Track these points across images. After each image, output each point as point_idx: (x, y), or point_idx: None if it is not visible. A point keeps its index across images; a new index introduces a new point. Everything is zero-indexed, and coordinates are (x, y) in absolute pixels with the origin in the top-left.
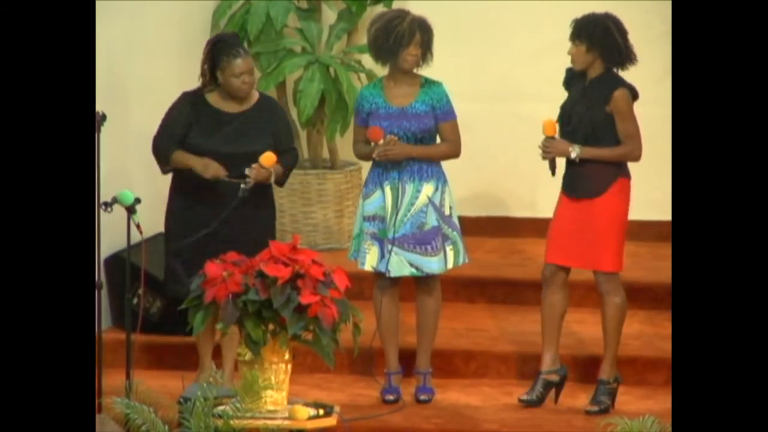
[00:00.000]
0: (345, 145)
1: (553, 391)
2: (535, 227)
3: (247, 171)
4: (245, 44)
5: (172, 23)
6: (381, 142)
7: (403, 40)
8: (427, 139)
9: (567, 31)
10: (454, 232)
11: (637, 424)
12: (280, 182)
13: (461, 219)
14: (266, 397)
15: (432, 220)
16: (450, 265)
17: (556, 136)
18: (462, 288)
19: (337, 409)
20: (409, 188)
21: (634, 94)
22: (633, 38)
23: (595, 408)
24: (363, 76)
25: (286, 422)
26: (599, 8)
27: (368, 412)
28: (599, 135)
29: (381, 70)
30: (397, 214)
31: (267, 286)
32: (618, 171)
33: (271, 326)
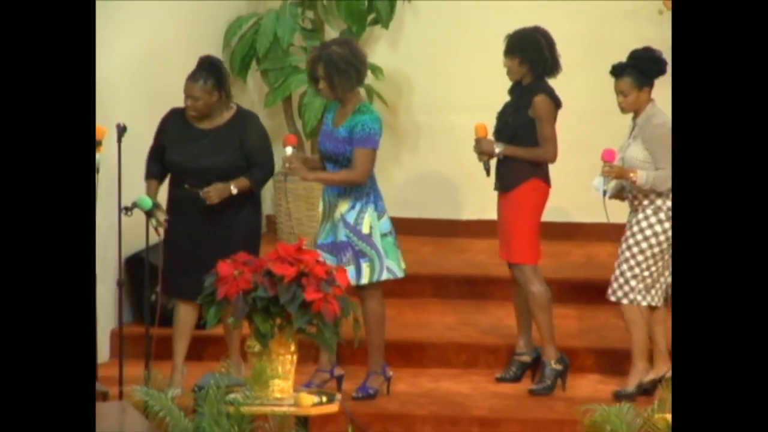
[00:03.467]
0: None
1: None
2: None
3: (204, 191)
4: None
5: (189, 41)
6: (288, 149)
7: (310, 77)
8: (342, 161)
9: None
10: (373, 251)
11: (614, 410)
12: (254, 192)
13: (455, 223)
14: (274, 385)
15: (341, 235)
16: (364, 281)
17: (489, 137)
18: (453, 285)
19: (338, 396)
20: (333, 202)
21: (556, 102)
22: (630, 43)
23: (537, 387)
24: (362, 90)
25: (292, 409)
26: (603, 16)
27: (369, 399)
28: (521, 136)
29: (378, 86)
30: (325, 223)
31: (274, 284)
32: (533, 171)
33: (278, 320)
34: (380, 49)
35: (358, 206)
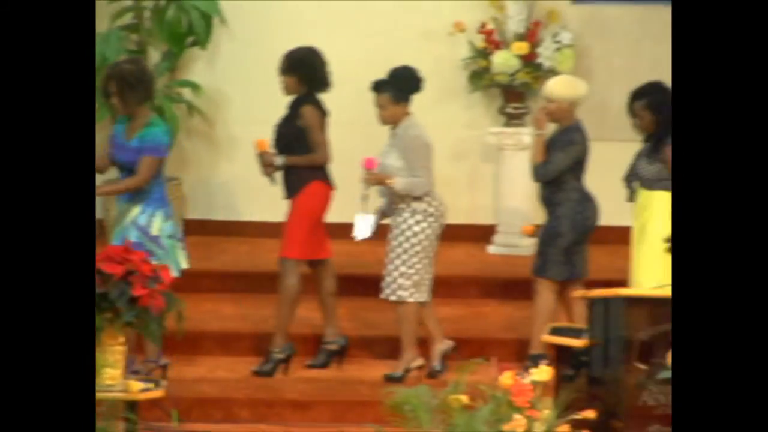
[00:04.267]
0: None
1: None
2: None
3: None
4: None
5: None
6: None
7: (103, 93)
8: (135, 171)
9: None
10: (160, 251)
11: (413, 392)
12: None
13: (268, 225)
14: (105, 373)
15: (133, 236)
16: None
17: (270, 150)
18: (267, 281)
19: (164, 383)
20: (125, 208)
21: (322, 111)
22: (425, 61)
23: (258, 367)
24: (183, 106)
25: (122, 395)
26: (399, 37)
27: (191, 385)
28: (293, 145)
29: (198, 101)
30: (116, 227)
31: (104, 281)
32: (312, 176)
33: (108, 314)
34: (199, 68)
35: (148, 210)
